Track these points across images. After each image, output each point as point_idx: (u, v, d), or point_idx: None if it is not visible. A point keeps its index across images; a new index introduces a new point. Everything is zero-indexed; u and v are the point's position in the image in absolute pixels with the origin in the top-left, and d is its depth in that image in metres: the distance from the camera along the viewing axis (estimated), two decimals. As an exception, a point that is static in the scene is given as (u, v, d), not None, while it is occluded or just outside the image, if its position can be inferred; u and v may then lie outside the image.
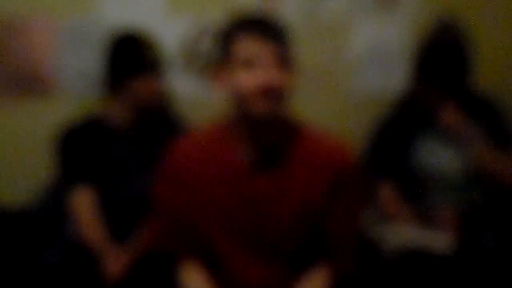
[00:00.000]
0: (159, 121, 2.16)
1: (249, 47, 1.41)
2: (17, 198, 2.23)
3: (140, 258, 1.86)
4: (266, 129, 1.50)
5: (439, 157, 2.11)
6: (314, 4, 2.38)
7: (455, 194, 2.10)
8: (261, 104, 1.42)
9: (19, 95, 2.28)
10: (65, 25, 2.27)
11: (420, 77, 2.14)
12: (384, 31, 2.43)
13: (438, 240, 1.90)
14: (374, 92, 2.48)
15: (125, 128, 2.11)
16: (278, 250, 1.55)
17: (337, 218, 1.56)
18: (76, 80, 2.31)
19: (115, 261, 1.88)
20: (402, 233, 1.96)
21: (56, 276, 1.90)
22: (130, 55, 2.03)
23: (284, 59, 1.45)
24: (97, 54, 2.22)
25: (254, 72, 1.41)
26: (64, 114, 2.22)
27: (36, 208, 2.18)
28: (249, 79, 1.41)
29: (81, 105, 2.27)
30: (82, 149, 2.06)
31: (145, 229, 1.86)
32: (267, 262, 1.55)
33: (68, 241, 2.11)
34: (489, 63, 2.46)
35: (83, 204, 2.03)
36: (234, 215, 1.52)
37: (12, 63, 2.25)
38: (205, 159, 1.54)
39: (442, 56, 2.08)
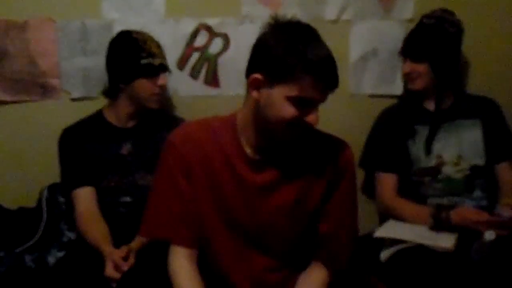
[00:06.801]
0: (160, 121, 2.16)
1: (313, 92, 1.39)
2: (17, 198, 2.23)
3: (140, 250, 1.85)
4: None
5: (438, 153, 2.12)
6: (314, 4, 2.38)
7: (455, 192, 2.10)
8: (293, 133, 1.45)
9: (20, 96, 2.28)
10: (66, 26, 2.27)
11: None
12: (384, 31, 2.43)
13: (439, 238, 1.90)
14: (374, 92, 2.48)
15: (126, 128, 2.12)
16: (269, 243, 1.56)
17: (334, 217, 1.57)
18: (77, 80, 2.31)
19: (116, 262, 1.87)
20: (402, 231, 1.97)
21: (56, 276, 1.90)
22: (132, 56, 2.03)
23: None
24: (98, 55, 2.23)
25: (303, 109, 1.41)
26: (64, 115, 2.23)
27: (36, 208, 2.17)
28: (295, 113, 1.41)
29: (82, 106, 2.27)
30: (83, 149, 2.07)
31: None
32: (259, 255, 1.56)
33: (68, 241, 2.11)
34: (483, 66, 2.46)
35: (84, 204, 2.04)
36: (230, 204, 1.53)
37: (13, 64, 2.25)
38: (207, 146, 1.53)
39: (424, 31, 2.11)
